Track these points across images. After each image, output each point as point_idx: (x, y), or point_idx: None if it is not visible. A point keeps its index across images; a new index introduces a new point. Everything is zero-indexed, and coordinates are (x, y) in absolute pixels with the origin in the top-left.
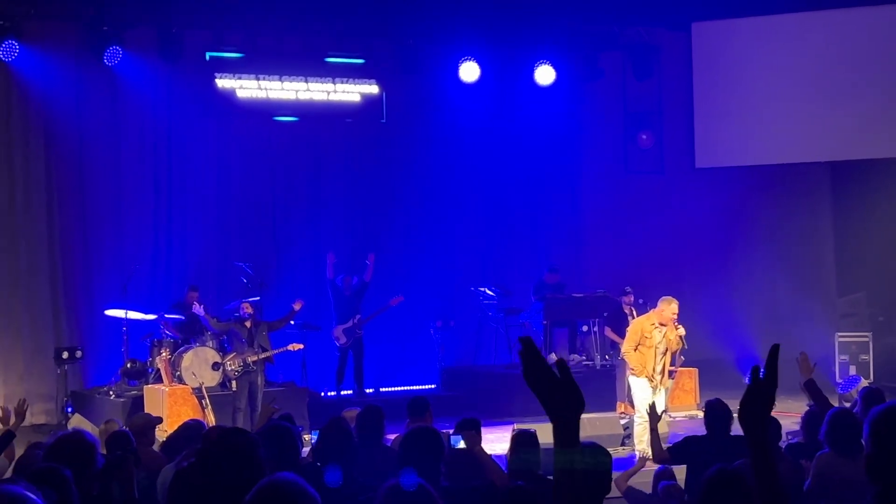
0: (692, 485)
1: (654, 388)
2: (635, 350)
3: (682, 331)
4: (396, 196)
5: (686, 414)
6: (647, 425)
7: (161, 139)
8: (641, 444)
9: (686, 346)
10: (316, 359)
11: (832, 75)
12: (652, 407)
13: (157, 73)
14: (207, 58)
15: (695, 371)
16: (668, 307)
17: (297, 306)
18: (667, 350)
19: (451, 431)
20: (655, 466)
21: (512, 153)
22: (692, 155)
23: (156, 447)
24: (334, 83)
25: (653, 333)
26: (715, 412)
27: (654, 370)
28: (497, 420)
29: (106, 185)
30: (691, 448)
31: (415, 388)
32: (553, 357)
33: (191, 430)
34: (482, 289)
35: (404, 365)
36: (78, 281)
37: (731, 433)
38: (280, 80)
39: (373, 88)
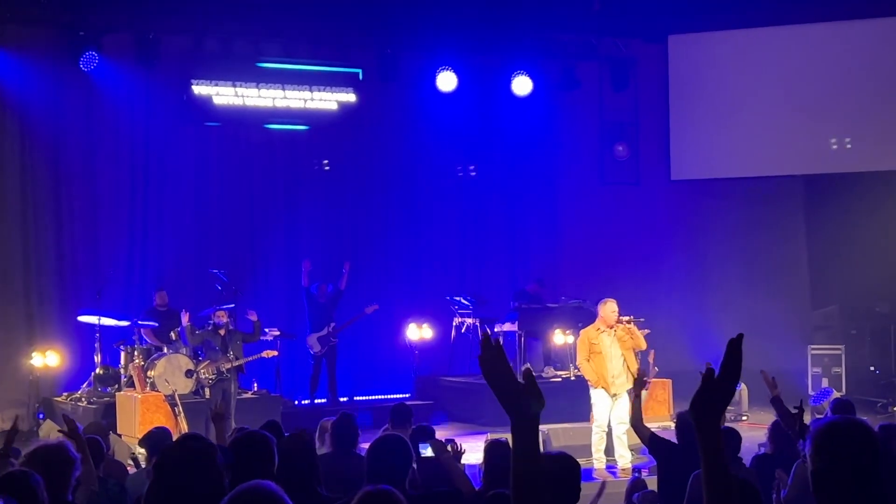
0: (665, 491)
1: (614, 395)
2: (588, 361)
3: (631, 324)
4: (373, 204)
5: (660, 425)
6: (604, 435)
7: (137, 145)
8: (599, 452)
9: (646, 344)
10: (290, 367)
11: (807, 89)
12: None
13: (133, 78)
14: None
15: (668, 382)
16: (605, 308)
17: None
18: (628, 350)
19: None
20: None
21: (489, 163)
22: (668, 167)
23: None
24: (311, 91)
25: (600, 338)
26: (686, 423)
27: (612, 376)
28: (471, 430)
29: (81, 190)
30: (668, 448)
31: (389, 396)
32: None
33: (153, 437)
34: (457, 298)
35: (379, 373)
36: (52, 287)
37: None
38: (257, 87)
39: (350, 96)
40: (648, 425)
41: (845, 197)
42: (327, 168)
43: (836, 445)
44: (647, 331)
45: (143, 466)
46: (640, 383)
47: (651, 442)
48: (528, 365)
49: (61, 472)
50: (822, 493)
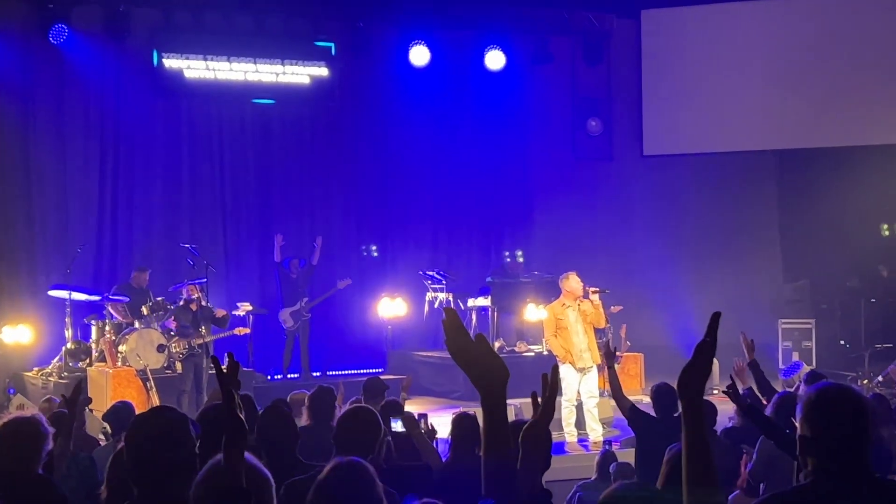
0: (643, 463)
1: (582, 370)
2: (555, 336)
3: (595, 298)
4: (346, 179)
5: (632, 398)
6: (573, 409)
7: (107, 119)
8: (569, 426)
9: (608, 320)
10: (262, 342)
11: (780, 64)
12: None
13: (103, 51)
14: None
15: (640, 356)
16: (568, 282)
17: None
18: (589, 324)
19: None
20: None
21: (462, 137)
22: (641, 142)
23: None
24: (283, 65)
25: (566, 313)
26: (662, 395)
27: (580, 350)
28: (445, 405)
29: (51, 164)
30: (647, 420)
31: (362, 371)
32: (499, 343)
33: (117, 412)
34: (430, 273)
35: (352, 348)
36: (21, 262)
37: (677, 415)
38: (228, 60)
39: (322, 70)
40: None
41: (818, 172)
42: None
43: (827, 412)
44: (619, 307)
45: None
46: (609, 356)
47: (631, 413)
48: (503, 341)
49: (33, 446)
50: (808, 459)
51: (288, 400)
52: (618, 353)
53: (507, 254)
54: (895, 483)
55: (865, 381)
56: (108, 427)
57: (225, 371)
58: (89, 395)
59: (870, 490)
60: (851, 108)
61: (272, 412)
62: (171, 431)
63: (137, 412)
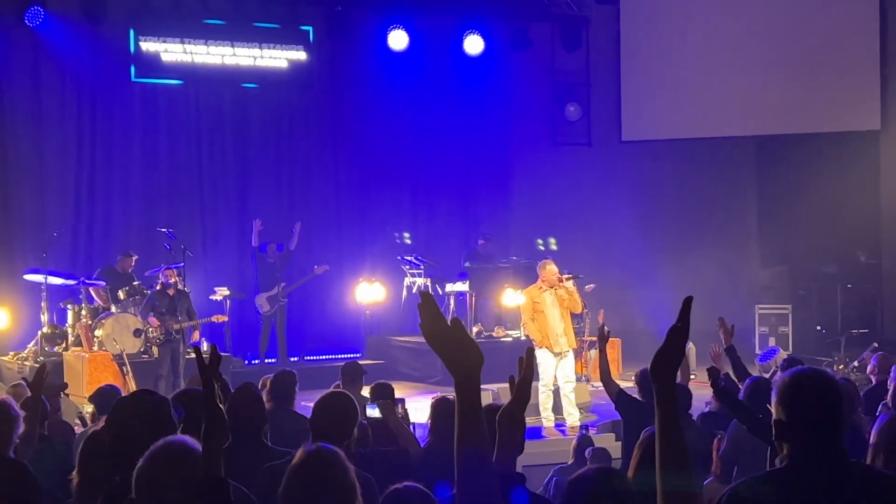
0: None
1: (559, 354)
2: (532, 320)
3: (569, 284)
4: (324, 164)
5: None
6: (551, 393)
7: (84, 102)
8: (546, 410)
9: (586, 305)
10: (239, 326)
11: (758, 51)
12: (600, 330)
13: (79, 34)
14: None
15: (618, 342)
16: (545, 269)
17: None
18: (565, 309)
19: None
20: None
21: (441, 122)
22: (619, 127)
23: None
24: (261, 49)
25: (542, 298)
26: (648, 379)
27: (556, 334)
28: (422, 390)
29: (27, 147)
30: (634, 405)
31: (340, 356)
32: (477, 328)
33: (104, 394)
34: (408, 258)
35: (330, 333)
36: None
37: None
38: (206, 44)
39: (300, 55)
40: (596, 385)
41: (796, 158)
42: None
43: (801, 396)
44: (592, 285)
45: (90, 424)
46: (603, 338)
47: (618, 397)
48: (481, 326)
49: (2, 429)
50: (783, 443)
51: (259, 385)
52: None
53: (481, 241)
54: (870, 467)
55: (841, 367)
56: (84, 411)
57: (207, 362)
58: (65, 381)
59: (845, 474)
60: (830, 95)
61: (242, 393)
62: (153, 414)
63: None
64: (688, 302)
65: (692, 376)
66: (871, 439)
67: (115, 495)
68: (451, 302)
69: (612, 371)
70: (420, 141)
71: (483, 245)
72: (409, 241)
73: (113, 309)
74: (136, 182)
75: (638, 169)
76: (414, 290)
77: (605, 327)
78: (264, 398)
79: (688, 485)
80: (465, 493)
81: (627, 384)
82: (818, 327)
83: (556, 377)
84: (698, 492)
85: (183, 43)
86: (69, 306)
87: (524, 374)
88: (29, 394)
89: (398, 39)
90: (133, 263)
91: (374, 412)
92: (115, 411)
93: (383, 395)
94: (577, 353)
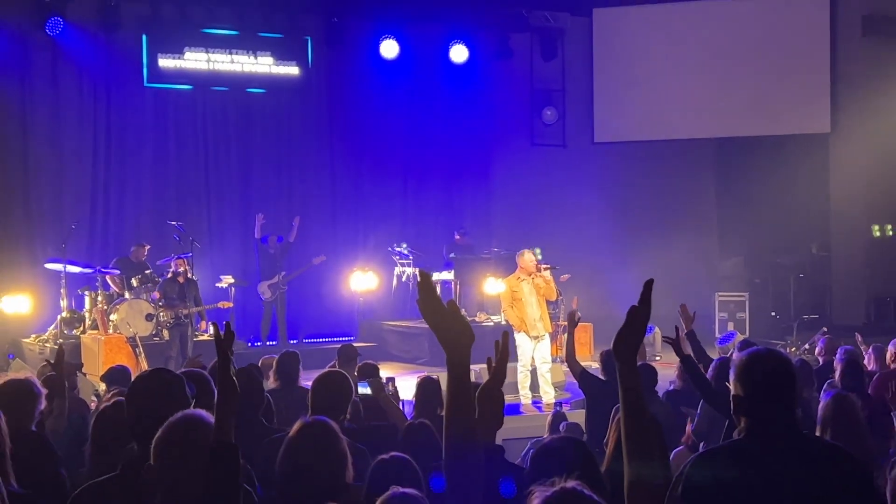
0: (593, 421)
1: (536, 338)
2: (511, 308)
3: (546, 274)
4: (322, 163)
5: (583, 364)
6: (528, 373)
7: (100, 106)
8: (524, 389)
9: (560, 293)
10: (243, 311)
11: (719, 60)
12: (571, 314)
13: (96, 42)
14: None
15: (590, 326)
16: (524, 258)
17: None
18: (542, 296)
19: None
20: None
21: (429, 125)
22: (592, 130)
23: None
24: (265, 57)
25: (520, 286)
26: (610, 359)
27: (533, 320)
28: (410, 370)
29: (47, 148)
30: (596, 383)
31: (336, 339)
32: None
33: (114, 374)
34: (399, 249)
35: (326, 318)
36: (20, 237)
37: None
38: (213, 52)
39: (300, 63)
40: None
41: (752, 159)
42: None
43: (757, 372)
44: (567, 275)
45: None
46: (572, 322)
47: (581, 377)
48: (464, 312)
49: (26, 405)
50: (740, 417)
51: (259, 364)
52: (578, 315)
53: (457, 236)
54: (819, 439)
55: (793, 349)
56: (99, 389)
57: (223, 338)
58: (81, 361)
59: (797, 445)
60: (783, 100)
61: (242, 374)
62: (169, 389)
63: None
64: (648, 285)
65: (657, 357)
66: (819, 413)
67: (134, 461)
68: (438, 290)
69: (584, 353)
70: (409, 142)
71: (459, 238)
72: (399, 234)
73: (127, 295)
74: (148, 179)
75: (609, 168)
76: (403, 279)
77: (578, 313)
78: (272, 378)
79: (652, 452)
80: (453, 457)
81: (597, 365)
82: (773, 313)
83: (533, 358)
84: (661, 475)
85: (192, 51)
86: (86, 293)
87: (501, 355)
88: (48, 373)
89: (389, 48)
90: (146, 253)
91: (364, 390)
92: (135, 386)
93: (369, 374)
94: (553, 337)
